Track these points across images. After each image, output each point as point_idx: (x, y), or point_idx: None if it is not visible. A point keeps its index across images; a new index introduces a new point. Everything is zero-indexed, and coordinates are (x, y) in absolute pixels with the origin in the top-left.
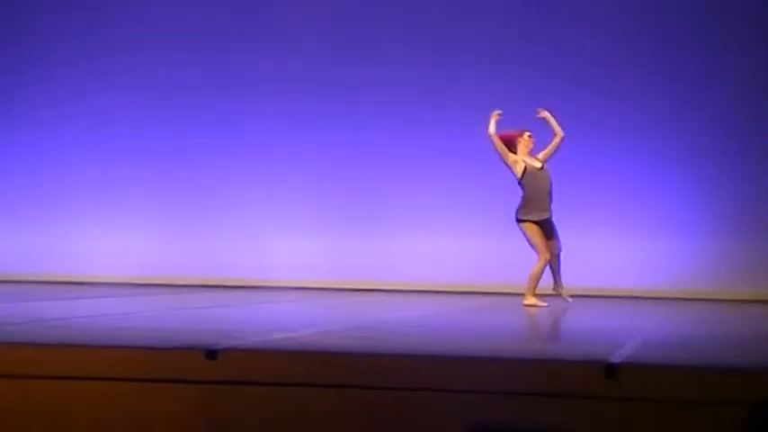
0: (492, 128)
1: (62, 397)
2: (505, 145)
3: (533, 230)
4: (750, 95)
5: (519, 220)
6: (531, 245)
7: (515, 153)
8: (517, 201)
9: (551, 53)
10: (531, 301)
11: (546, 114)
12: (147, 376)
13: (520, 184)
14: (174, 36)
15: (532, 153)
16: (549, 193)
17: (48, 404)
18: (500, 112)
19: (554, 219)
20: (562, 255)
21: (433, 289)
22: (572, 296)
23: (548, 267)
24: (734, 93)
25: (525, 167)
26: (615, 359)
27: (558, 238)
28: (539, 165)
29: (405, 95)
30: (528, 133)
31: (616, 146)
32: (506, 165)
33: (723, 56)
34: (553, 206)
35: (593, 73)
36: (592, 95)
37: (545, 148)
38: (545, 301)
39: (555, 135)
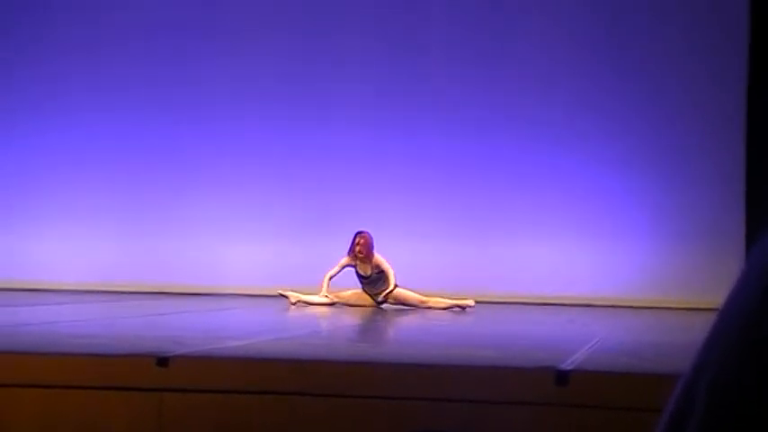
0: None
1: (11, 404)
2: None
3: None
4: (705, 99)
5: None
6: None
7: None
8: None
9: (503, 52)
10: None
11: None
12: (98, 383)
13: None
14: (130, 37)
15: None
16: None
17: None
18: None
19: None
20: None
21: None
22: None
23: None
24: (688, 96)
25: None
26: (566, 366)
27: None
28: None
29: (369, 97)
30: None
31: (567, 150)
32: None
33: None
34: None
35: (551, 75)
36: (549, 98)
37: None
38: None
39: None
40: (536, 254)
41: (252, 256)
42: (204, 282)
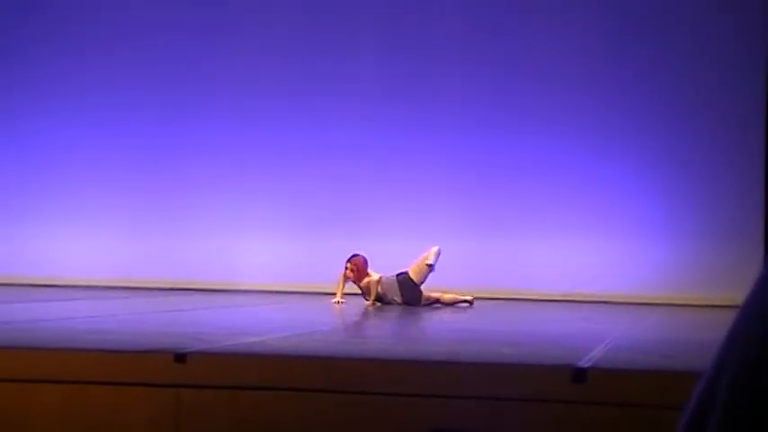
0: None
1: (28, 400)
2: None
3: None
4: (722, 95)
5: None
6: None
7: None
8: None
9: (524, 50)
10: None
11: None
12: (115, 379)
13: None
14: (136, 36)
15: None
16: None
17: (13, 407)
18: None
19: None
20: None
21: None
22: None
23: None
24: (705, 93)
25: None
26: (583, 364)
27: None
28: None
29: (380, 94)
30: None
31: (584, 147)
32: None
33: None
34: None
35: (565, 71)
36: (563, 94)
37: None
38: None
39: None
40: (551, 251)
41: (266, 253)
42: (219, 278)
